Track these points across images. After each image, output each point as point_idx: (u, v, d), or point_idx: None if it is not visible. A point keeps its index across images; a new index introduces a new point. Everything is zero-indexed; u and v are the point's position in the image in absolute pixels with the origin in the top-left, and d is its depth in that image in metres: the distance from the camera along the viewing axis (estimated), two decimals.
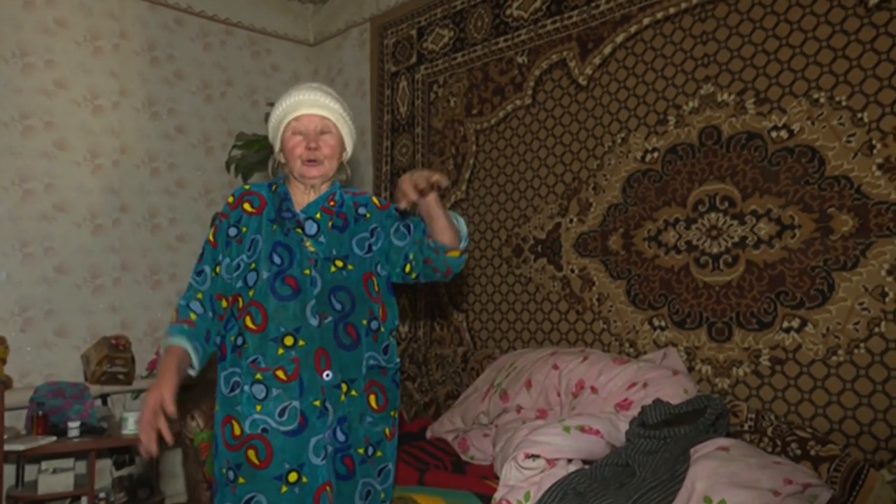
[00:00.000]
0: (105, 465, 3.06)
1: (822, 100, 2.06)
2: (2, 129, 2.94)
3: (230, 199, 1.55)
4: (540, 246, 2.80)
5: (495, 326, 2.96)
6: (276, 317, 1.43)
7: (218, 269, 1.50)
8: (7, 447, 2.51)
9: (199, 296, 1.50)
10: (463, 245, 1.55)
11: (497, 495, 1.85)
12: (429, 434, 2.62)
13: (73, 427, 2.71)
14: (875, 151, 1.96)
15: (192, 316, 1.47)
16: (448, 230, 1.49)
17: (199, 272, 1.52)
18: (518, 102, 2.90)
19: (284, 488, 1.38)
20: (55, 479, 2.64)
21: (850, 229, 1.99)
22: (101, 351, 2.95)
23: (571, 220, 2.69)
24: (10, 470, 2.72)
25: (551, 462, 1.85)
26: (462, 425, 2.52)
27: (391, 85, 3.48)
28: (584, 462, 1.90)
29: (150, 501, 2.90)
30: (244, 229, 1.50)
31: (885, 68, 1.95)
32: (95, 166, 3.20)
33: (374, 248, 1.56)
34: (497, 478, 2.00)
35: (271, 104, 3.96)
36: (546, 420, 2.18)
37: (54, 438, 2.65)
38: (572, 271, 2.68)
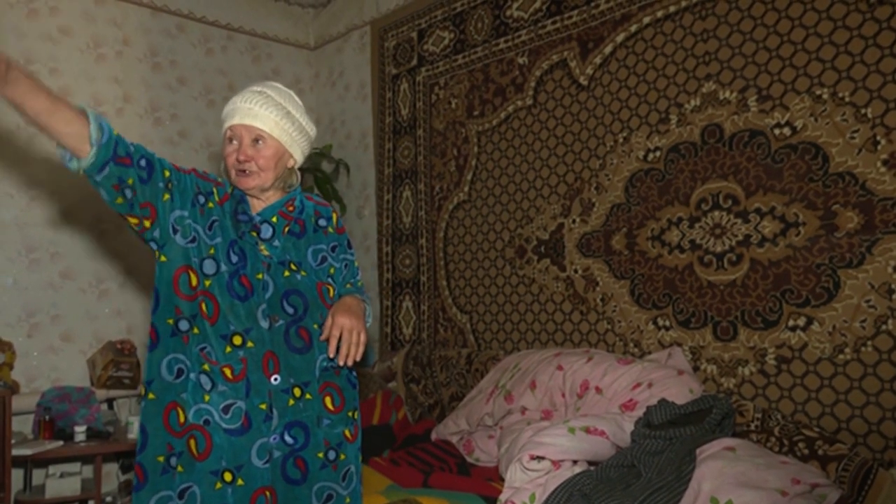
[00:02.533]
0: (112, 468, 3.08)
1: (824, 96, 2.05)
2: (8, 136, 2.96)
3: (205, 172, 1.51)
4: (543, 246, 2.79)
5: (499, 328, 2.95)
6: (228, 314, 1.41)
7: (167, 174, 1.40)
8: (15, 452, 2.52)
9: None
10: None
11: (502, 497, 1.85)
12: (434, 436, 2.62)
13: (80, 431, 2.72)
14: (879, 147, 1.94)
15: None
16: None
17: (147, 158, 1.38)
18: (519, 103, 2.90)
19: (219, 485, 1.36)
20: (62, 483, 2.65)
21: (855, 226, 1.97)
22: (106, 355, 2.96)
23: (574, 221, 2.68)
24: (17, 474, 2.73)
25: (556, 463, 1.84)
26: (467, 427, 2.52)
27: (392, 87, 3.49)
28: (590, 463, 1.89)
29: None
30: (210, 205, 1.46)
31: (889, 63, 1.93)
32: None
33: (329, 261, 1.55)
34: (502, 479, 1.99)
35: None
36: (551, 421, 2.17)
37: (61, 443, 2.66)
38: (576, 272, 2.67)
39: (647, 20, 2.47)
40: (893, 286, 1.91)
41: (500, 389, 2.46)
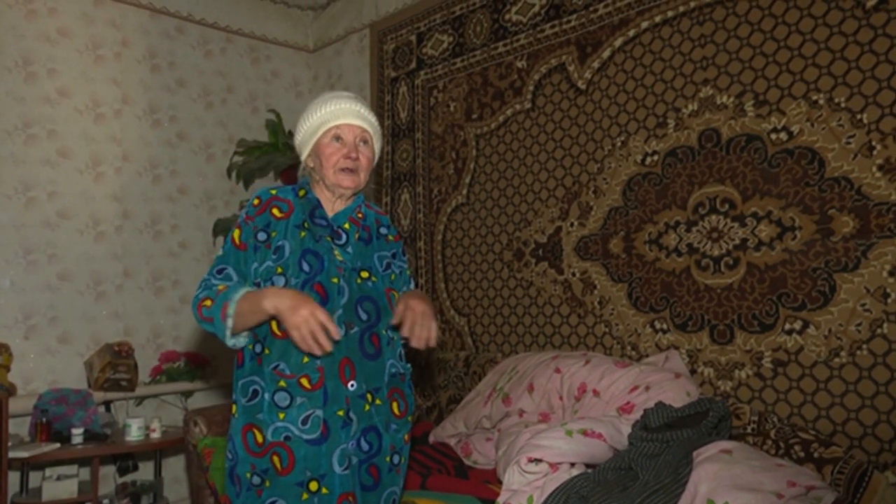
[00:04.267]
0: (109, 471, 3.07)
1: (821, 101, 2.06)
2: (5, 137, 2.96)
3: (256, 202, 1.51)
4: (541, 250, 2.80)
5: (497, 330, 2.96)
6: None
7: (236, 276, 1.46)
8: (11, 454, 2.51)
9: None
10: None
11: (500, 500, 1.85)
12: (431, 438, 2.62)
13: (77, 434, 2.71)
14: (875, 152, 1.96)
15: (221, 286, 1.42)
16: None
17: (219, 270, 1.46)
18: (518, 107, 2.91)
19: (305, 496, 1.38)
20: (59, 485, 2.64)
21: (850, 230, 1.99)
22: (104, 358, 2.96)
23: (572, 224, 2.69)
24: (14, 477, 2.72)
25: (554, 466, 1.84)
26: (465, 429, 2.52)
27: (391, 90, 3.50)
28: (587, 466, 1.89)
29: None
30: (273, 234, 1.47)
31: (884, 69, 1.95)
32: (98, 174, 3.21)
33: (392, 268, 1.59)
34: (500, 482, 2.00)
35: (272, 111, 3.98)
36: (548, 424, 2.18)
37: (58, 445, 2.65)
38: (573, 275, 2.68)
39: (645, 25, 2.49)
40: (888, 290, 1.93)
41: (497, 392, 2.46)
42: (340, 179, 1.50)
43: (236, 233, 1.49)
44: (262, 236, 1.47)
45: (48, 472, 2.74)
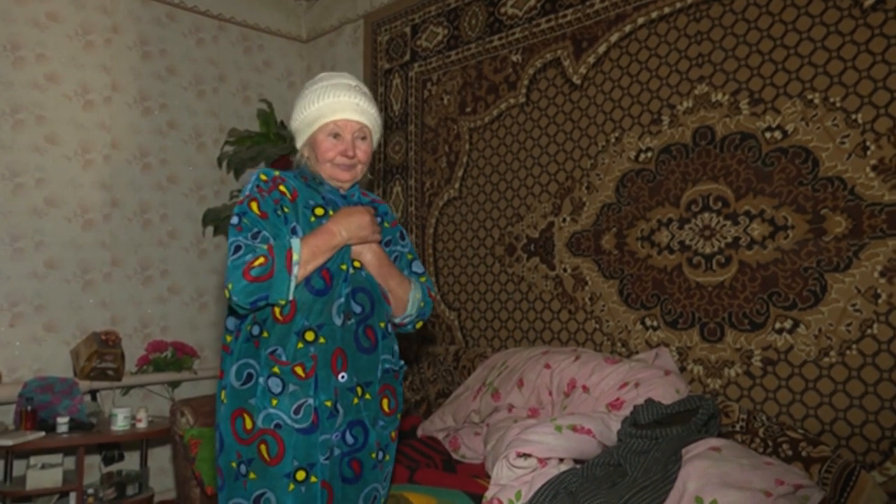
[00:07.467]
0: (94, 461, 3.04)
1: (816, 101, 2.06)
2: None
3: (264, 178, 1.44)
4: (533, 245, 2.79)
5: (487, 325, 2.95)
6: (303, 310, 1.38)
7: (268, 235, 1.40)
8: None
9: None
10: (407, 319, 1.56)
11: (488, 494, 1.85)
12: (420, 432, 2.62)
13: (62, 423, 2.69)
14: (869, 153, 1.96)
15: (268, 246, 1.34)
16: (392, 295, 1.52)
17: (255, 234, 1.36)
18: (512, 101, 2.89)
19: (292, 486, 1.35)
20: (43, 474, 2.61)
21: (843, 230, 1.99)
22: (90, 346, 2.93)
23: (564, 220, 2.69)
24: None
25: (543, 461, 1.84)
26: (453, 424, 2.51)
27: (385, 82, 3.47)
28: (576, 461, 1.89)
29: (138, 498, 2.88)
30: (286, 210, 1.43)
31: (880, 70, 1.95)
32: (86, 161, 3.17)
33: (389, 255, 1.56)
34: (488, 476, 1.99)
35: (264, 100, 3.94)
36: (538, 419, 2.17)
37: (43, 434, 2.63)
38: (565, 270, 2.67)
39: (641, 20, 2.47)
40: (879, 291, 1.93)
41: (487, 387, 2.46)
42: (337, 174, 1.48)
43: (254, 204, 1.40)
44: (279, 210, 1.42)
45: (32, 460, 2.71)
